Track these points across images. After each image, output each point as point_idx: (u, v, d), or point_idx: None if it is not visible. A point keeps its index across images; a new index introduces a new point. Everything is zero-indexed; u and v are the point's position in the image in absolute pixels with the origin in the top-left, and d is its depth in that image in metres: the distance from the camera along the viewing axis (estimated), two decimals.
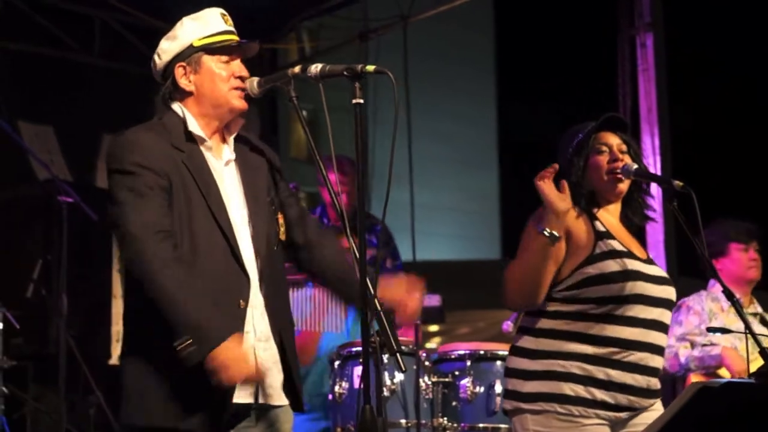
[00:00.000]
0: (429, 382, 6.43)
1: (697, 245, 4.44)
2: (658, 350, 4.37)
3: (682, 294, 6.61)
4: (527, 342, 4.42)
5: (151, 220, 3.70)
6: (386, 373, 6.27)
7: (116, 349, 9.73)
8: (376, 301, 3.54)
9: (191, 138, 3.89)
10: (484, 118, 14.58)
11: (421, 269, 10.64)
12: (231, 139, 3.98)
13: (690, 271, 7.29)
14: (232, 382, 3.65)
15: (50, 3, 9.85)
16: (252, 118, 4.12)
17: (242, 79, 3.93)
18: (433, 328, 12.62)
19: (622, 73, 8.90)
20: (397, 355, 3.52)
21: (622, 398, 4.28)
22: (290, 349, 3.92)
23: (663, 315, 4.38)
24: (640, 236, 4.99)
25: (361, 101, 3.66)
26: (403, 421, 6.32)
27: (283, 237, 3.98)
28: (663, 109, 8.66)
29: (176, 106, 3.94)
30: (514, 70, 13.21)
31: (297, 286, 6.51)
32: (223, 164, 3.93)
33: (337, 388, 6.37)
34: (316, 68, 3.81)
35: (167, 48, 3.98)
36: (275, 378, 3.88)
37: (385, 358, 6.01)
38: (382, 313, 3.54)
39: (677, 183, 4.53)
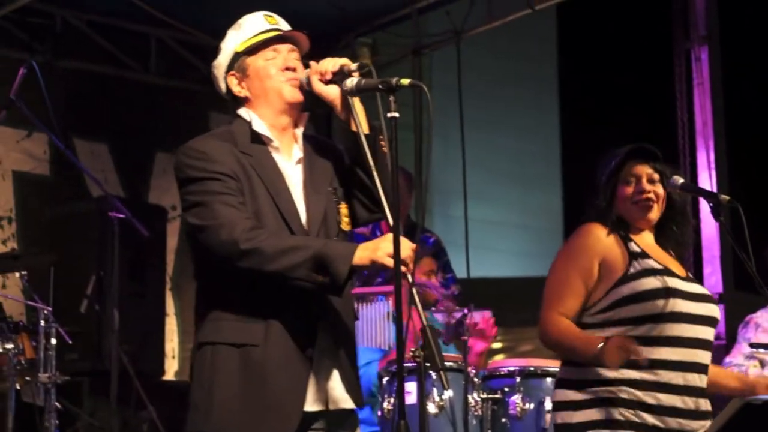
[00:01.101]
0: (478, 399, 6.37)
1: (744, 259, 4.38)
2: (704, 369, 4.30)
3: (740, 309, 6.50)
4: (571, 373, 4.39)
5: (245, 215, 3.71)
6: (434, 390, 6.22)
7: (170, 365, 9.80)
8: (421, 315, 3.51)
9: (258, 140, 3.89)
10: (548, 133, 14.43)
11: (475, 286, 10.64)
12: (300, 137, 3.97)
13: (747, 286, 7.19)
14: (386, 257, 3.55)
15: (107, 22, 9.94)
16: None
17: (291, 69, 3.91)
18: (496, 344, 12.52)
19: (679, 88, 8.83)
20: (441, 372, 3.49)
21: (672, 422, 4.22)
22: (347, 346, 3.85)
23: (706, 333, 4.31)
24: (696, 251, 4.93)
25: (396, 115, 3.62)
26: None
27: (346, 227, 3.92)
28: (718, 123, 8.58)
29: (242, 111, 3.96)
30: (577, 85, 13.08)
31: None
32: (293, 163, 3.92)
33: (385, 404, 6.33)
34: (351, 82, 3.79)
35: (218, 63, 4.02)
36: (340, 380, 3.82)
37: (434, 374, 6.02)
38: (427, 328, 3.49)
39: (724, 197, 4.49)
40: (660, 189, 4.43)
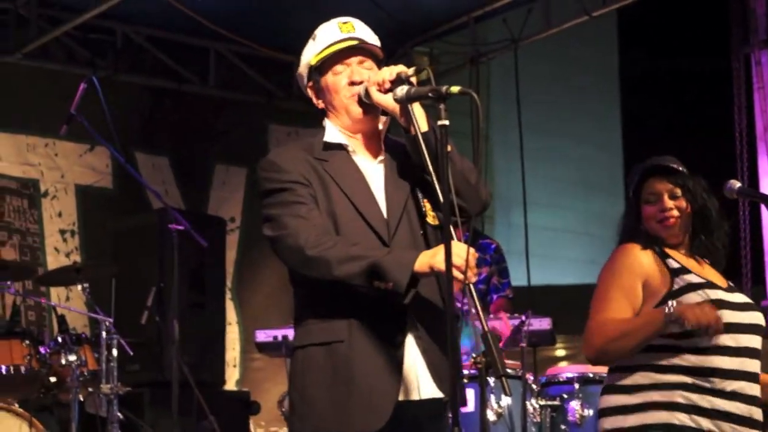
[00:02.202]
0: (537, 406, 6.37)
1: None
2: (754, 378, 4.26)
3: None
4: (621, 379, 4.32)
5: (309, 223, 3.76)
6: (493, 397, 6.21)
7: (231, 374, 9.86)
8: (483, 320, 3.50)
9: (334, 146, 3.94)
10: (609, 141, 14.35)
11: (536, 293, 10.60)
12: (380, 140, 4.01)
13: None
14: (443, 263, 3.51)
15: (166, 37, 10.04)
16: None
17: (357, 83, 3.94)
18: (559, 352, 12.49)
19: (738, 92, 8.75)
20: (503, 378, 3.48)
21: (727, 427, 4.17)
22: (441, 340, 3.77)
23: (753, 341, 4.27)
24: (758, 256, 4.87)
25: (447, 122, 3.62)
26: None
27: (433, 221, 3.92)
28: None
29: (325, 122, 4.02)
30: (638, 90, 13.00)
31: None
32: (375, 163, 3.96)
33: None
34: (402, 91, 3.79)
35: (299, 74, 4.09)
36: (427, 369, 3.80)
37: (492, 381, 6.00)
38: (489, 334, 3.49)
39: None
40: (683, 203, 4.39)
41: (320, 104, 4.02)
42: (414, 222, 3.89)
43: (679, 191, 4.40)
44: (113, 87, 9.10)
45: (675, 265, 4.30)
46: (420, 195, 3.93)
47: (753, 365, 4.25)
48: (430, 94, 3.69)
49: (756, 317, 4.31)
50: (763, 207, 4.72)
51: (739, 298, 4.33)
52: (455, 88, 3.65)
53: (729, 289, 4.33)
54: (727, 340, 4.19)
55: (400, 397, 3.74)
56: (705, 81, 10.16)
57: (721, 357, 4.16)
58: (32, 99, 9.51)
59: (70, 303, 8.95)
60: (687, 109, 10.97)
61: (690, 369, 4.18)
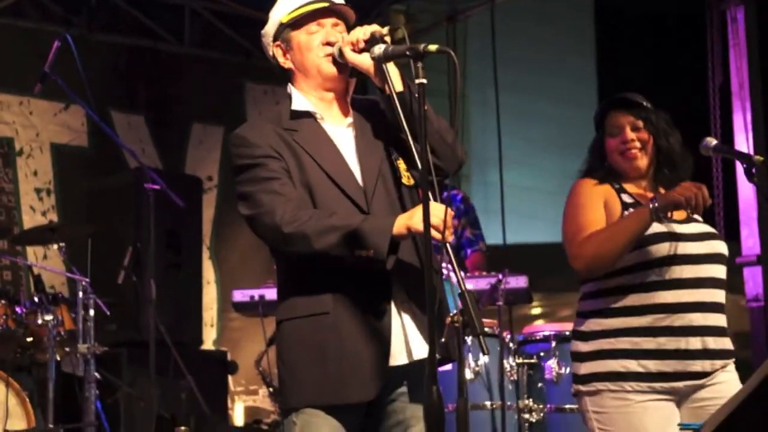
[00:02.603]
0: (513, 364, 6.39)
1: None
2: (712, 308, 4.26)
3: None
4: (580, 325, 4.40)
5: (284, 198, 3.73)
6: (470, 355, 6.23)
7: (209, 334, 9.86)
8: (460, 280, 3.48)
9: (302, 114, 3.91)
10: (586, 99, 14.35)
11: (512, 252, 10.62)
12: (348, 102, 3.98)
13: None
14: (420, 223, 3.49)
15: None
16: None
17: (332, 44, 3.90)
18: (535, 310, 12.54)
19: (712, 49, 8.74)
20: (480, 337, 3.47)
21: (678, 365, 4.20)
22: (416, 296, 3.77)
23: (712, 270, 4.28)
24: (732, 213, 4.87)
25: (424, 81, 3.59)
26: (488, 403, 6.29)
27: (408, 181, 3.91)
28: (755, 84, 8.49)
29: (288, 88, 3.99)
30: (614, 49, 12.99)
31: None
32: (344, 127, 3.93)
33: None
34: (379, 49, 3.77)
35: (266, 31, 4.02)
36: (418, 331, 3.79)
37: (470, 339, 6.02)
38: (466, 293, 3.47)
39: (758, 158, 4.47)
40: (645, 135, 4.43)
41: (286, 64, 3.97)
42: (390, 184, 3.87)
43: (641, 123, 4.46)
44: (88, 45, 9.06)
45: (628, 200, 4.36)
46: (394, 155, 3.92)
47: (713, 295, 4.26)
48: (407, 53, 3.65)
49: (715, 246, 4.34)
50: (737, 164, 4.72)
51: (697, 228, 4.35)
52: (433, 47, 3.62)
53: (687, 221, 4.34)
54: (680, 272, 4.21)
55: (392, 363, 3.72)
56: (680, 38, 10.15)
57: (672, 291, 4.20)
58: (6, 57, 9.44)
59: (47, 262, 8.93)
60: (662, 67, 10.97)
61: (635, 309, 4.23)
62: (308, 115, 3.91)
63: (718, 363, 4.26)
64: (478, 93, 12.40)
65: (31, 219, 9.35)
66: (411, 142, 3.65)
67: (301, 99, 3.94)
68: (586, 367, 4.31)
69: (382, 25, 3.91)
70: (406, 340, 3.77)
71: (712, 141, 4.52)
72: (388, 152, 3.92)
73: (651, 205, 4.16)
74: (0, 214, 9.27)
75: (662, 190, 4.38)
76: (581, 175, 4.51)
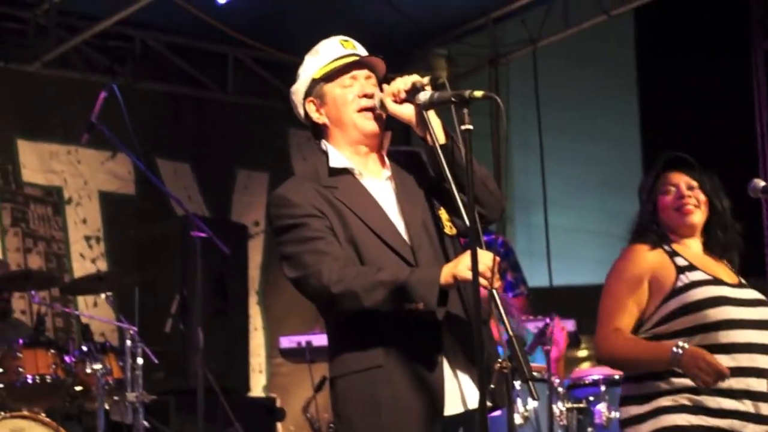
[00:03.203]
0: (563, 409, 6.34)
1: None
2: (764, 373, 4.26)
3: None
4: (632, 389, 4.39)
5: (329, 257, 3.72)
6: (519, 400, 6.20)
7: (257, 381, 9.87)
8: (508, 326, 3.47)
9: (340, 171, 3.90)
10: (628, 139, 14.30)
11: (558, 294, 10.56)
12: (383, 155, 3.96)
13: None
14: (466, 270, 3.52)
15: (185, 43, 10.07)
16: None
17: (368, 96, 3.89)
18: (583, 353, 12.46)
19: (758, 87, 8.71)
20: (529, 382, 3.45)
21: (736, 424, 4.20)
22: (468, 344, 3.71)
23: (763, 337, 4.28)
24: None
25: (470, 127, 3.59)
26: None
27: (450, 231, 3.88)
28: None
29: (323, 144, 3.97)
30: (657, 89, 12.95)
31: None
32: (383, 181, 3.92)
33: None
34: (424, 96, 3.76)
35: (296, 89, 4.01)
36: (471, 380, 3.76)
37: (518, 384, 6.00)
38: (514, 339, 3.47)
39: None
40: (701, 195, 4.43)
41: (321, 119, 3.94)
42: (433, 235, 3.85)
43: (695, 183, 4.45)
44: (133, 94, 9.13)
45: (682, 263, 4.34)
46: (435, 206, 3.90)
47: (762, 360, 4.25)
48: (453, 99, 3.66)
49: (766, 313, 4.32)
50: None
51: (749, 294, 4.34)
52: (478, 93, 3.62)
53: (738, 286, 4.35)
54: (734, 336, 4.20)
55: (447, 413, 3.70)
56: (724, 77, 10.12)
57: (727, 355, 4.19)
58: (53, 107, 9.57)
59: (96, 310, 8.97)
60: (706, 107, 10.92)
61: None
62: (346, 171, 3.89)
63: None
64: (521, 135, 12.40)
65: (81, 266, 9.44)
66: (455, 192, 3.63)
67: (337, 155, 3.91)
68: (647, 427, 4.27)
69: (425, 69, 3.91)
70: (460, 389, 3.74)
71: (761, 182, 4.51)
72: (430, 203, 3.90)
73: (674, 350, 4.15)
74: (51, 262, 9.35)
75: (713, 256, 4.39)
76: (633, 240, 4.46)
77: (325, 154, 3.93)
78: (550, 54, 10.57)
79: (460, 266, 3.58)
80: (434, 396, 3.69)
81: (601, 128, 14.28)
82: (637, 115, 14.30)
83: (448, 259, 3.79)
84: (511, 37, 10.18)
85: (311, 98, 3.96)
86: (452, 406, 3.72)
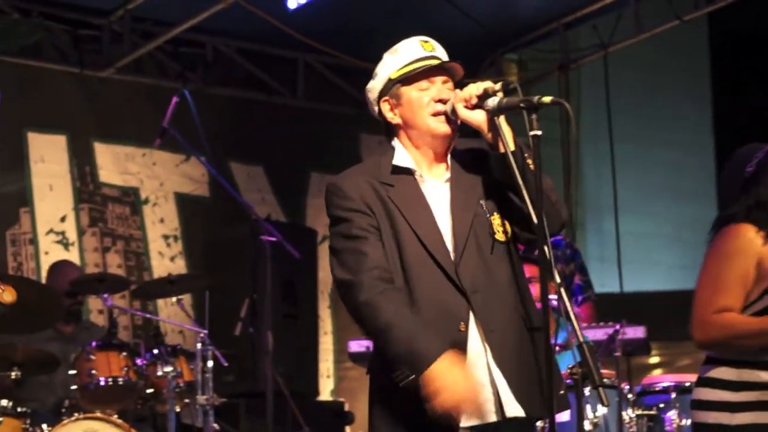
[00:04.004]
0: (633, 416, 6.30)
1: None
2: None
3: None
4: (725, 373, 4.24)
5: (367, 262, 3.78)
6: (588, 407, 6.16)
7: (325, 385, 9.89)
8: (577, 331, 3.47)
9: (402, 170, 3.93)
10: (701, 145, 14.18)
11: (629, 300, 10.49)
12: (448, 160, 3.98)
13: None
14: (443, 409, 3.59)
15: (255, 48, 10.13)
16: None
17: (443, 101, 3.91)
18: (654, 360, 12.36)
19: None
20: (599, 388, 3.46)
21: None
22: (518, 354, 3.79)
23: None
24: None
25: (539, 133, 3.61)
26: None
27: (502, 237, 3.88)
28: None
29: (395, 142, 4.00)
30: (730, 95, 12.83)
31: None
32: (442, 183, 3.94)
33: (539, 423, 6.27)
34: (493, 102, 3.78)
35: (372, 87, 4.03)
36: (506, 391, 3.76)
37: (588, 391, 5.96)
38: (584, 344, 3.46)
39: None
40: None
41: (394, 119, 3.97)
42: (482, 240, 3.85)
43: None
44: (204, 99, 9.21)
45: None
46: (488, 209, 3.90)
47: None
48: (521, 105, 3.67)
49: None
50: None
51: None
52: (547, 98, 3.63)
53: None
54: None
55: (467, 423, 3.72)
56: None
57: None
58: (127, 112, 9.70)
59: (170, 310, 9.04)
60: None
61: None
62: (408, 171, 3.93)
63: None
64: (592, 140, 12.34)
65: (159, 264, 9.58)
66: (526, 198, 3.65)
67: (403, 154, 3.95)
68: (742, 418, 4.15)
69: (496, 75, 3.92)
70: (498, 398, 3.75)
71: None
72: (485, 207, 3.90)
73: None
74: (129, 260, 9.47)
75: None
76: (737, 218, 4.30)
77: (393, 151, 3.97)
78: (622, 60, 10.52)
79: (443, 397, 3.59)
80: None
81: (674, 135, 14.17)
82: (710, 121, 14.17)
83: (493, 267, 3.83)
84: (582, 43, 10.13)
85: (386, 98, 3.99)
86: (484, 415, 3.74)
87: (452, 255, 3.81)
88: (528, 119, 3.64)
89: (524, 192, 3.67)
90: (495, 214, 3.90)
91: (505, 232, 3.90)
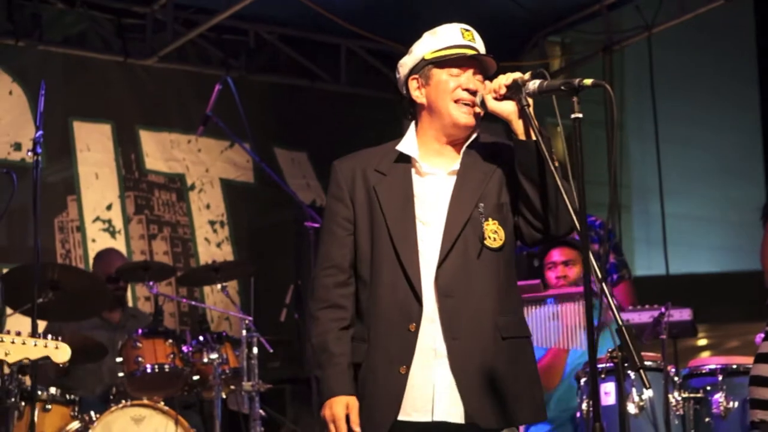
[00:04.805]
0: (679, 398, 6.26)
1: None
2: None
3: None
4: None
5: (326, 261, 3.95)
6: (634, 390, 6.14)
7: None
8: (616, 314, 3.46)
9: (404, 158, 3.95)
10: (747, 126, 14.10)
11: (675, 282, 10.43)
12: (462, 150, 3.97)
13: None
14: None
15: (298, 35, 10.13)
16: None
17: (470, 91, 3.91)
18: (701, 342, 12.31)
19: None
20: (641, 371, 3.43)
21: None
22: (479, 363, 3.82)
23: None
24: None
25: (580, 116, 3.58)
26: None
27: (494, 244, 3.87)
28: None
29: (411, 124, 4.01)
30: None
31: (537, 303, 6.44)
32: (446, 174, 3.94)
33: (584, 405, 6.27)
34: (534, 84, 3.76)
35: (404, 62, 4.04)
36: (448, 395, 3.82)
37: (633, 374, 5.94)
38: (623, 327, 3.45)
39: None
40: None
41: (419, 98, 3.96)
42: (471, 245, 3.86)
43: None
44: (247, 86, 9.22)
45: None
46: (485, 213, 3.88)
47: None
48: (562, 87, 3.65)
49: None
50: None
51: None
52: (588, 81, 3.60)
53: None
54: None
55: (402, 417, 3.81)
56: None
57: None
58: (172, 99, 9.74)
59: (216, 297, 9.08)
60: None
61: None
62: (408, 159, 3.94)
63: None
64: (636, 123, 12.30)
65: (206, 250, 9.60)
66: (559, 184, 3.65)
67: (411, 140, 3.97)
68: None
69: (539, 57, 3.91)
70: (432, 399, 3.82)
71: None
72: (481, 210, 3.89)
73: None
74: (176, 247, 9.50)
75: None
76: None
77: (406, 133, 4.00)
78: (666, 41, 10.45)
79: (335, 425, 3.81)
80: (390, 400, 3.81)
81: (719, 115, 14.09)
82: (757, 102, 14.07)
83: (476, 274, 3.84)
84: (626, 24, 10.06)
85: (416, 76, 3.99)
86: (409, 413, 3.82)
87: (437, 257, 3.83)
88: (570, 102, 3.62)
89: (556, 177, 3.65)
90: (491, 219, 3.89)
91: (497, 239, 3.89)
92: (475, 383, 3.80)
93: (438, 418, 3.80)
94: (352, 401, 3.80)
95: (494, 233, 3.88)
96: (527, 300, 6.31)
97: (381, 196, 3.89)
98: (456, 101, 3.91)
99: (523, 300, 4.87)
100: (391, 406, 3.80)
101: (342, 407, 3.79)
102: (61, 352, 4.72)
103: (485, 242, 3.86)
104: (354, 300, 3.91)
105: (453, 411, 3.81)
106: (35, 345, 4.66)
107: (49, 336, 4.77)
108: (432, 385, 3.81)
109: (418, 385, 3.80)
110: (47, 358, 4.69)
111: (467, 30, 4.00)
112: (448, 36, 3.98)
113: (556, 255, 6.98)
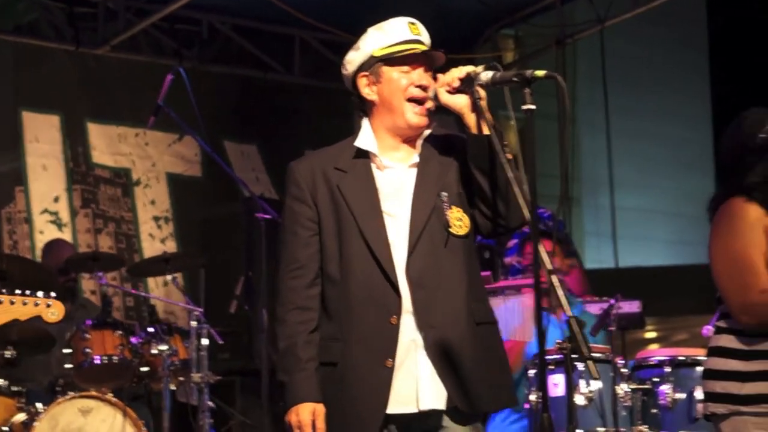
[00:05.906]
0: (627, 390, 6.28)
1: None
2: None
3: None
4: (736, 343, 4.16)
5: (291, 263, 3.92)
6: (582, 381, 6.16)
7: None
8: (565, 306, 3.47)
9: (363, 154, 3.94)
10: (699, 118, 14.19)
11: (624, 275, 10.48)
12: (419, 143, 3.97)
13: None
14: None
15: (251, 25, 10.09)
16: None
17: (422, 87, 3.91)
18: (649, 335, 12.38)
19: None
20: (589, 362, 3.46)
21: None
22: (458, 350, 3.84)
23: None
24: None
25: (533, 107, 3.58)
26: (601, 429, 6.18)
27: (459, 231, 3.89)
28: None
29: (364, 121, 3.99)
30: (728, 69, 12.81)
31: (491, 295, 6.44)
32: (406, 168, 3.94)
33: (532, 396, 6.29)
34: (486, 76, 3.77)
35: (351, 59, 4.02)
36: (431, 384, 3.83)
37: (581, 365, 5.96)
38: (572, 319, 3.46)
39: None
40: None
41: (370, 96, 3.95)
42: (437, 234, 3.88)
43: None
44: (200, 77, 9.17)
45: None
46: (448, 201, 3.90)
47: None
48: (514, 78, 3.67)
49: None
50: None
51: None
52: (540, 72, 3.62)
53: None
54: None
55: (398, 410, 3.82)
56: None
57: None
58: (122, 90, 9.67)
59: (166, 289, 9.04)
60: None
61: None
62: (367, 155, 3.94)
63: None
64: (588, 115, 12.34)
65: (150, 246, 9.54)
66: (511, 178, 3.65)
67: (367, 135, 3.96)
68: (752, 387, 4.08)
69: (492, 50, 3.91)
70: (416, 390, 3.83)
71: None
72: (444, 199, 3.90)
73: None
74: (121, 242, 9.45)
75: None
76: (733, 192, 4.22)
77: (359, 130, 3.98)
78: (618, 34, 10.49)
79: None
80: (378, 396, 3.81)
81: (671, 108, 14.16)
82: (708, 94, 14.15)
83: (444, 263, 3.86)
84: (579, 17, 10.09)
85: (365, 73, 3.98)
86: (399, 405, 3.82)
87: (406, 248, 3.84)
88: (522, 93, 3.62)
89: (508, 170, 3.67)
90: (454, 207, 3.91)
91: (463, 226, 3.90)
92: (454, 369, 3.81)
93: (423, 407, 3.82)
94: (319, 408, 3.79)
95: (459, 221, 3.90)
96: None
97: (346, 193, 3.88)
98: (409, 99, 3.91)
99: None
100: (379, 401, 3.79)
101: (308, 413, 3.78)
102: (53, 311, 4.14)
103: (450, 230, 3.88)
104: (320, 300, 3.89)
105: (437, 399, 3.82)
106: (24, 304, 4.12)
107: (40, 293, 4.20)
108: (415, 377, 3.82)
109: (403, 377, 3.81)
110: (39, 318, 4.17)
111: (413, 23, 4.00)
112: (396, 31, 3.97)
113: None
